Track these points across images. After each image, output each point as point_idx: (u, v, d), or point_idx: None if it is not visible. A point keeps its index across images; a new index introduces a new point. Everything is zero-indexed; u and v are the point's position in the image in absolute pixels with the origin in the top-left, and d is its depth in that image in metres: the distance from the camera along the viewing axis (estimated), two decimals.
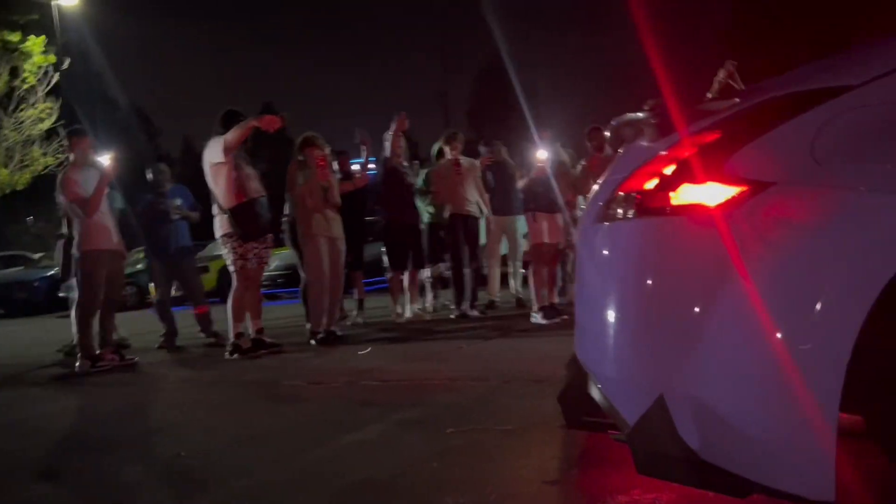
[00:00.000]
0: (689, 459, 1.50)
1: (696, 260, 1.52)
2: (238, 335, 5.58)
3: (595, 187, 2.05)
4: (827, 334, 1.36)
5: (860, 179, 1.39)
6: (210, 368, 5.13)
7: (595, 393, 1.85)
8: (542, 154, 6.39)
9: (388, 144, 6.97)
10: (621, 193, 1.73)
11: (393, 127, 6.85)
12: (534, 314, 6.24)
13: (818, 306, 1.35)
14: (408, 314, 7.25)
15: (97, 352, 5.55)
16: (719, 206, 1.49)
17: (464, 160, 7.30)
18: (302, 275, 6.49)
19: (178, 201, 6.68)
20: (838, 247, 1.37)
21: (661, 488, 1.84)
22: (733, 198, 1.49)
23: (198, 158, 5.75)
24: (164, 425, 3.35)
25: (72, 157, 5.86)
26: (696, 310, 1.49)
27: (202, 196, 6.08)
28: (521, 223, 7.45)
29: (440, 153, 7.48)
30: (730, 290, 1.44)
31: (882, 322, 1.40)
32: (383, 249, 7.75)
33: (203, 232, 6.82)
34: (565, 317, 5.91)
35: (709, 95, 5.82)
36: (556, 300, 6.64)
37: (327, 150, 6.21)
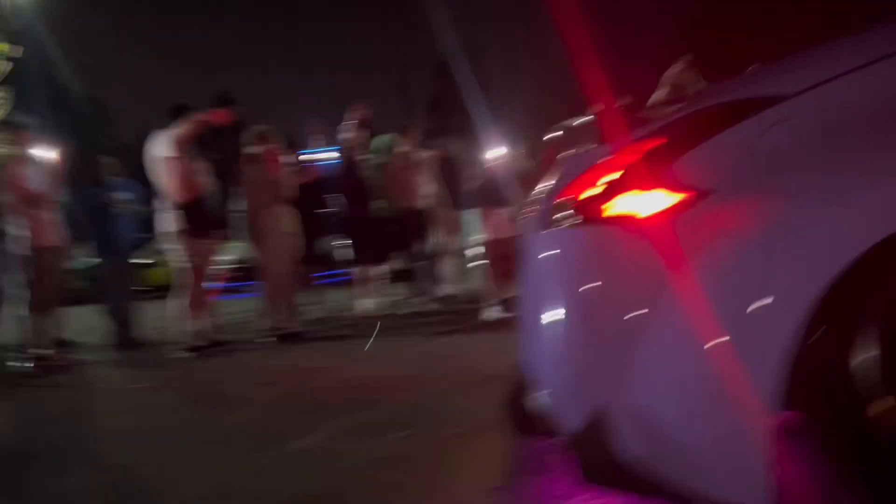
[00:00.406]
0: (630, 468, 1.50)
1: (637, 268, 1.52)
2: (189, 333, 5.48)
3: (537, 191, 2.04)
4: (763, 341, 1.36)
5: (796, 188, 1.39)
6: (159, 368, 5.03)
7: (539, 400, 1.85)
8: (494, 152, 6.47)
9: (347, 136, 6.90)
10: (563, 200, 1.72)
11: (351, 118, 6.77)
12: (492, 308, 6.27)
13: (753, 316, 1.36)
14: (368, 308, 7.22)
15: (47, 351, 5.40)
16: (659, 214, 1.49)
17: (419, 153, 7.27)
18: (257, 270, 6.42)
19: (126, 195, 6.51)
20: (775, 255, 1.37)
21: (605, 496, 1.84)
22: (673, 206, 1.48)
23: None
24: (109, 431, 3.27)
25: (16, 150, 5.65)
26: (638, 318, 1.49)
27: (153, 190, 5.94)
28: (469, 217, 7.48)
29: (390, 146, 7.45)
30: (669, 298, 1.44)
31: (815, 332, 1.42)
32: (337, 243, 7.70)
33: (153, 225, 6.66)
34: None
35: (659, 90, 5.88)
36: (510, 294, 6.68)
37: (278, 144, 6.13)
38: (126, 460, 2.69)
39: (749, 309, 1.36)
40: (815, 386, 1.47)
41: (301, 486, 2.18)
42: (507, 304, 6.27)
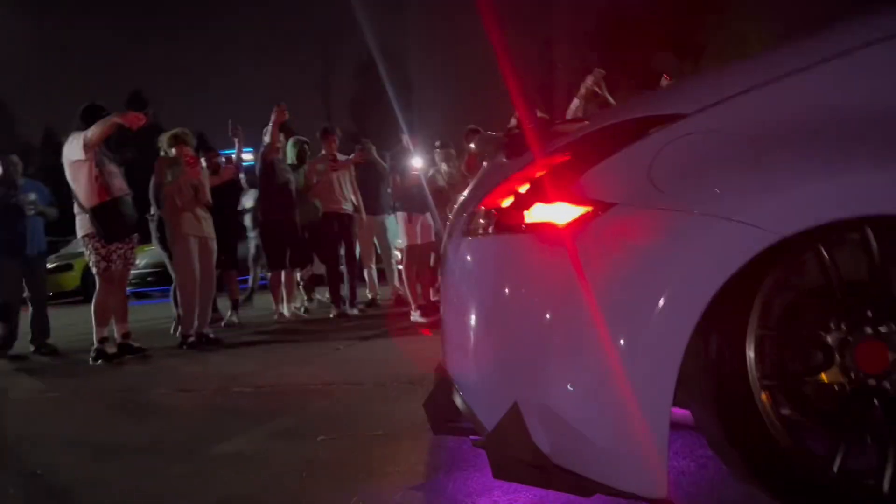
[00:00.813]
0: (540, 463, 1.59)
1: (547, 275, 1.61)
2: (102, 340, 5.33)
3: (460, 198, 2.13)
4: (659, 343, 1.47)
5: (689, 202, 1.51)
6: (71, 376, 4.86)
7: (457, 399, 1.93)
8: (416, 161, 6.59)
9: (266, 138, 6.84)
10: (482, 209, 1.81)
11: (272, 119, 6.72)
12: (413, 313, 6.34)
13: (652, 319, 1.46)
14: (286, 314, 7.17)
15: None
16: (568, 224, 1.59)
17: (340, 157, 7.28)
18: (173, 275, 6.28)
19: (33, 196, 6.25)
20: (670, 264, 1.49)
21: (519, 490, 1.94)
22: (580, 217, 1.58)
23: (59, 148, 5.43)
24: (19, 440, 3.16)
25: None
26: (546, 322, 1.58)
27: (62, 192, 5.74)
28: (390, 222, 7.55)
29: (301, 152, 7.44)
30: (575, 304, 1.54)
31: (709, 332, 1.56)
32: (255, 245, 7.64)
33: (64, 228, 6.42)
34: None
35: (575, 101, 6.12)
36: (435, 297, 6.76)
37: (194, 146, 6.03)
38: (40, 469, 2.61)
39: (645, 313, 1.47)
40: (709, 382, 1.60)
41: (223, 493, 2.19)
42: (433, 305, 6.38)
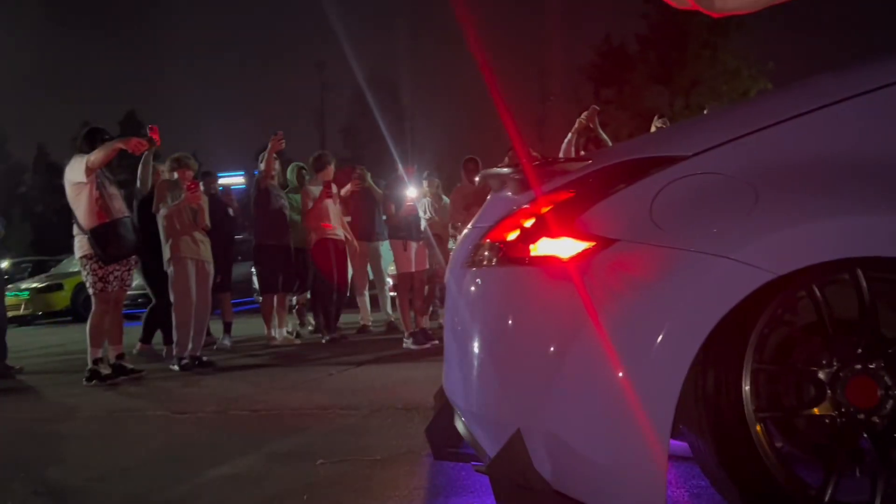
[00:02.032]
0: (542, 489, 1.64)
1: (552, 306, 1.67)
2: (96, 361, 5.34)
3: (465, 232, 2.20)
4: (660, 374, 1.53)
5: (689, 240, 1.58)
6: (66, 397, 4.85)
7: (459, 426, 1.98)
8: (411, 192, 6.72)
9: (262, 165, 6.94)
10: (487, 241, 1.88)
11: (269, 147, 6.82)
12: (405, 340, 6.38)
13: (652, 351, 1.53)
14: (277, 338, 7.19)
15: None
16: (571, 258, 1.66)
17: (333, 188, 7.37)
18: (152, 297, 6.37)
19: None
20: (670, 298, 1.56)
21: None
22: (583, 252, 1.65)
23: (51, 167, 5.51)
24: (12, 461, 3.16)
25: None
26: (551, 351, 1.64)
27: (50, 211, 5.81)
28: (384, 249, 7.63)
29: (299, 176, 7.54)
30: (579, 335, 1.60)
31: (706, 365, 1.62)
32: (253, 270, 7.67)
33: (53, 248, 6.45)
34: (436, 342, 6.10)
35: (569, 135, 6.24)
36: (426, 325, 6.80)
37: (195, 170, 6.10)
38: (38, 489, 2.63)
39: (646, 346, 1.53)
40: (706, 413, 1.66)
41: None
42: (425, 332, 6.43)
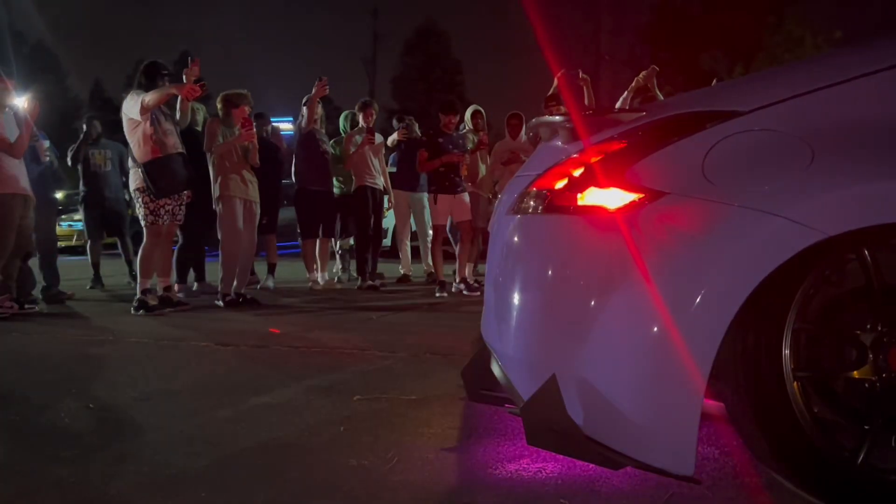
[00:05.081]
0: (573, 434, 1.67)
1: (595, 255, 1.68)
2: (145, 291, 5.52)
3: (511, 180, 2.20)
4: (699, 330, 1.54)
5: (740, 196, 1.57)
6: (115, 323, 5.04)
7: (496, 369, 2.01)
8: (450, 138, 6.77)
9: (305, 110, 6.97)
10: (534, 189, 1.88)
11: (313, 92, 6.83)
12: (437, 291, 6.52)
13: (694, 305, 1.53)
14: (319, 282, 7.31)
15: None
16: (619, 209, 1.66)
17: (378, 136, 7.39)
18: (178, 237, 6.50)
19: (47, 143, 6.45)
20: (715, 253, 1.55)
21: (548, 459, 2.02)
22: (631, 203, 1.65)
23: (107, 102, 5.64)
24: (65, 378, 3.32)
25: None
26: (592, 300, 1.66)
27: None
28: (427, 199, 7.67)
29: (352, 123, 7.56)
30: (622, 285, 1.61)
31: (747, 322, 1.62)
32: (291, 214, 7.78)
33: None
34: (477, 293, 6.23)
35: (625, 93, 6.14)
36: (468, 275, 6.93)
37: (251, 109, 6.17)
38: (91, 403, 2.77)
39: (688, 299, 1.53)
40: (744, 371, 1.67)
41: (264, 437, 2.31)
42: (446, 286, 6.56)
